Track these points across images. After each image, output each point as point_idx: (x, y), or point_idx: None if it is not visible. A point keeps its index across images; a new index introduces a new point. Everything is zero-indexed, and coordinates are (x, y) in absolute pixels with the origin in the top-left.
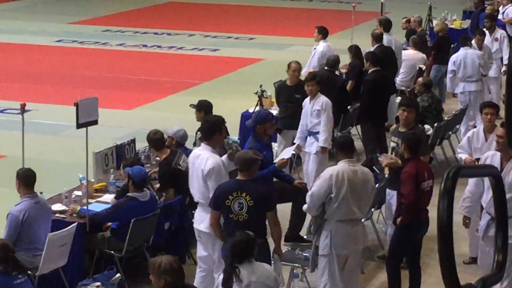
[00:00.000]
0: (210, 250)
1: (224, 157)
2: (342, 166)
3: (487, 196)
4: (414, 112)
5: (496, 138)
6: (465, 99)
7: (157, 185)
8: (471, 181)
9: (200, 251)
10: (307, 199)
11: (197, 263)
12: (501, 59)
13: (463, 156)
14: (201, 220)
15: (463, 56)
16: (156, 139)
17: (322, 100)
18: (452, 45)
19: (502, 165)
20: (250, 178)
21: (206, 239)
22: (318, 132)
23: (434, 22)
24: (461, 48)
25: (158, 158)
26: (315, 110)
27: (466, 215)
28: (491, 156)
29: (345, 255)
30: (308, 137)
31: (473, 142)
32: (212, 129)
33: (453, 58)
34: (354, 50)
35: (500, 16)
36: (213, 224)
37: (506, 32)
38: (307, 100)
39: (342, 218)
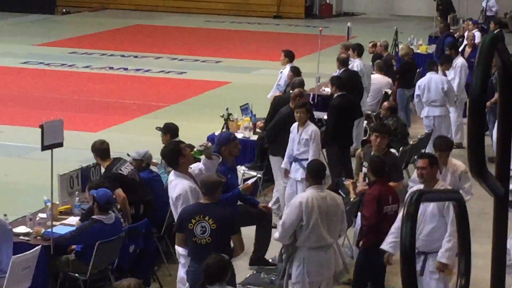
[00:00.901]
0: None
1: (202, 160)
2: (311, 193)
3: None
4: (387, 137)
5: (419, 170)
6: (430, 123)
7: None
8: (398, 217)
9: (180, 273)
10: (279, 228)
11: (177, 284)
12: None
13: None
14: None
15: (428, 81)
16: (103, 149)
17: (312, 129)
18: (418, 70)
19: None
20: (214, 202)
21: (185, 261)
22: (304, 160)
23: (400, 46)
24: (427, 73)
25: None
26: (304, 138)
27: (390, 251)
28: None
29: (319, 281)
30: (294, 163)
31: None
32: (173, 156)
33: (419, 82)
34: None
35: (465, 41)
36: (178, 246)
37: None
38: (295, 125)
39: (314, 245)
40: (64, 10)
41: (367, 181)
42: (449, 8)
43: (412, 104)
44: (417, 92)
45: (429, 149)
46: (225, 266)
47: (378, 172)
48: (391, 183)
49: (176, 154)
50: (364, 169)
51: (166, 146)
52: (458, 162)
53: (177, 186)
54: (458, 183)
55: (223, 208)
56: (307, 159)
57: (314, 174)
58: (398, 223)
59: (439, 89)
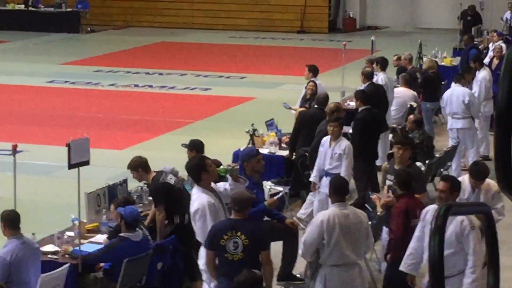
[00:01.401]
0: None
1: (229, 181)
2: (333, 211)
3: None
4: (409, 149)
5: (438, 192)
6: (454, 135)
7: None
8: (415, 236)
9: None
10: (300, 245)
11: None
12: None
13: None
14: (200, 257)
15: (450, 93)
16: (144, 161)
17: (345, 144)
18: (443, 82)
19: None
20: (244, 218)
21: (205, 277)
22: (336, 174)
23: (425, 59)
24: (452, 85)
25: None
26: (336, 153)
27: (411, 273)
28: (432, 210)
29: None
30: (325, 177)
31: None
32: (195, 171)
33: (444, 95)
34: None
35: (490, 53)
36: (208, 264)
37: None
38: (326, 139)
39: (336, 262)
40: (88, 29)
41: (390, 193)
42: (476, 20)
43: (436, 117)
44: (442, 104)
45: (455, 162)
46: (258, 282)
47: (405, 185)
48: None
49: (199, 169)
50: (389, 182)
51: (190, 161)
52: (492, 181)
53: (195, 200)
54: (490, 203)
55: (254, 223)
56: (339, 174)
57: (337, 191)
58: (415, 242)
59: (460, 102)
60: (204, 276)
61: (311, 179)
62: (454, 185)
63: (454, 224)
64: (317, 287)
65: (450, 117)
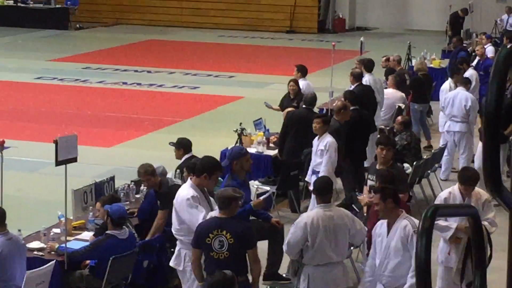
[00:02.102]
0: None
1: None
2: (317, 212)
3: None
4: (392, 150)
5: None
6: (450, 138)
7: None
8: (370, 254)
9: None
10: (284, 247)
11: None
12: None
13: (452, 224)
14: (174, 256)
15: (454, 95)
16: (153, 170)
17: (327, 140)
18: (433, 84)
19: (388, 230)
20: (230, 216)
21: (181, 276)
22: (319, 171)
23: (414, 60)
24: (458, 87)
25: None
26: (319, 149)
27: None
28: (380, 225)
29: None
30: (312, 175)
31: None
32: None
33: (445, 95)
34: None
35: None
36: (193, 262)
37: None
38: (316, 138)
39: (319, 263)
40: (77, 25)
41: (372, 193)
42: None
43: (428, 119)
44: (442, 104)
45: (446, 163)
46: (229, 283)
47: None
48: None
49: (211, 169)
50: (370, 182)
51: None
52: (481, 191)
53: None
54: (481, 212)
55: (240, 222)
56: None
57: (321, 192)
58: (369, 260)
59: (462, 105)
60: (180, 276)
61: (306, 178)
62: (384, 193)
63: (398, 231)
64: (301, 285)
65: (448, 119)
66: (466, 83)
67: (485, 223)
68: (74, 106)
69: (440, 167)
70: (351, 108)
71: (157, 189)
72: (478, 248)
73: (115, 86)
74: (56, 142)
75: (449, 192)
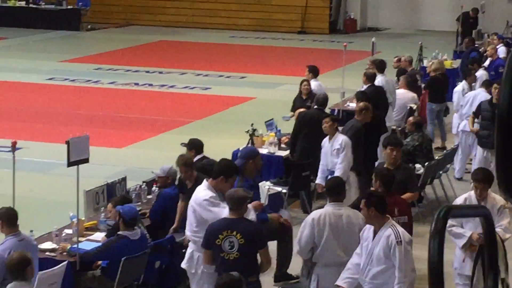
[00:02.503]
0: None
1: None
2: (326, 210)
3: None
4: (400, 150)
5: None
6: (465, 138)
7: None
8: (354, 253)
9: None
10: (295, 247)
11: None
12: None
13: (467, 233)
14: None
15: (474, 95)
16: (192, 162)
17: (341, 138)
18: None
19: (374, 236)
20: (241, 217)
21: (191, 277)
22: (336, 171)
23: (425, 61)
24: (479, 88)
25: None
26: (335, 149)
27: (345, 286)
28: (368, 229)
29: None
30: (329, 175)
31: None
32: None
33: (466, 95)
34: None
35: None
36: (206, 264)
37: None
38: (326, 139)
39: (328, 262)
40: (89, 26)
41: None
42: (476, 23)
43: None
44: (456, 105)
45: (458, 163)
46: (235, 285)
47: (387, 185)
48: (407, 194)
49: (229, 173)
50: None
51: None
52: (497, 196)
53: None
54: (495, 218)
55: (250, 223)
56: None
57: (333, 192)
58: (353, 259)
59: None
60: (190, 277)
61: (316, 181)
62: (367, 200)
63: (382, 240)
64: (311, 286)
65: (465, 118)
66: (488, 85)
67: (498, 229)
68: (85, 107)
69: (453, 167)
70: None
71: (193, 183)
72: (490, 249)
73: (127, 87)
74: (68, 143)
75: (464, 198)
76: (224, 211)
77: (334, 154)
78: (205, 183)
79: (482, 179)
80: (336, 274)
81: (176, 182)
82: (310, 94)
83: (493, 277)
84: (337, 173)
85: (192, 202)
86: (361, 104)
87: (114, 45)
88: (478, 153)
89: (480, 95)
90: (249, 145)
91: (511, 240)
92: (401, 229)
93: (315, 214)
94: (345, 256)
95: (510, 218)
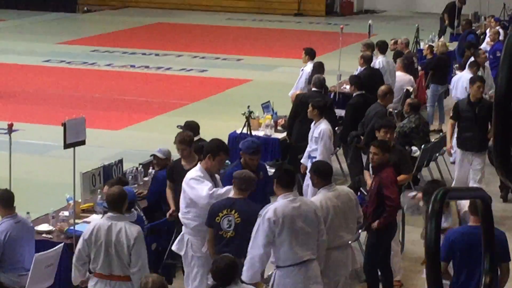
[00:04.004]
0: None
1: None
2: (324, 194)
3: None
4: (393, 132)
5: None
6: None
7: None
8: (257, 243)
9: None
10: None
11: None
12: None
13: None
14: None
15: (458, 79)
16: (190, 140)
17: (321, 128)
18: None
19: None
20: (244, 197)
21: (183, 260)
22: (315, 157)
23: (422, 43)
24: (464, 71)
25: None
26: (314, 136)
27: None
28: (271, 209)
29: (337, 281)
30: (308, 159)
31: None
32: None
33: (453, 79)
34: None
35: (487, 39)
36: (209, 242)
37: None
38: (313, 123)
39: (331, 245)
40: (85, 8)
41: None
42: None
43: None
44: (450, 86)
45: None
46: (231, 266)
47: (384, 149)
48: (401, 176)
49: (216, 151)
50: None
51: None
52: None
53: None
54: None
55: (249, 203)
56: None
57: (322, 175)
58: (258, 250)
59: (463, 88)
60: (183, 260)
61: (302, 161)
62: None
63: None
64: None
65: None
66: (472, 66)
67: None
68: (82, 89)
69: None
70: (357, 93)
71: (191, 166)
72: (487, 232)
73: (123, 69)
74: (64, 125)
75: None
76: (205, 188)
77: (313, 140)
78: (198, 165)
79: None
80: (339, 255)
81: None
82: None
83: (490, 259)
84: None
85: (183, 183)
86: (384, 88)
87: (110, 27)
88: (458, 156)
89: (463, 76)
90: (246, 127)
91: None
92: (278, 205)
93: (316, 201)
94: (346, 234)
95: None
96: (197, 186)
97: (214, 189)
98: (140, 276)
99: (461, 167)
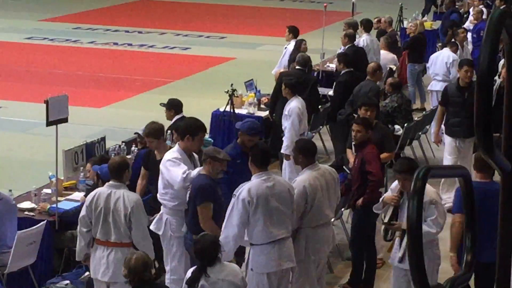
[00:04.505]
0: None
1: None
2: (309, 174)
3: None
4: (375, 110)
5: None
6: (434, 98)
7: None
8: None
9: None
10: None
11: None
12: None
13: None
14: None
15: (437, 55)
16: (148, 133)
17: (290, 105)
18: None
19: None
20: (207, 174)
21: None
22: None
23: (405, 22)
24: (444, 48)
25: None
26: (284, 114)
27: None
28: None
29: (319, 258)
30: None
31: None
32: (183, 132)
33: (431, 56)
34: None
35: (470, 17)
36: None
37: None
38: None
39: (315, 224)
40: None
41: None
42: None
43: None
44: (428, 64)
45: (432, 127)
46: (218, 244)
47: (368, 126)
48: (384, 154)
49: (194, 131)
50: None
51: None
52: (428, 188)
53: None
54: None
55: (199, 177)
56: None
57: (307, 154)
58: (232, 230)
59: (443, 63)
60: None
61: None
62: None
63: None
64: (300, 248)
65: (432, 78)
66: (452, 45)
67: (424, 226)
68: (64, 67)
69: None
70: (345, 70)
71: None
72: (469, 209)
73: (106, 47)
74: (47, 102)
75: (390, 189)
76: (180, 171)
77: (283, 118)
78: (176, 146)
79: (406, 170)
80: (322, 233)
81: None
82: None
83: (471, 239)
84: (284, 142)
85: (161, 164)
86: (373, 65)
87: (93, 4)
88: (448, 143)
89: (443, 52)
90: (229, 105)
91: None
92: (252, 185)
93: (303, 182)
94: (330, 213)
95: (439, 213)
96: (172, 168)
97: (188, 171)
98: (145, 245)
99: (450, 155)
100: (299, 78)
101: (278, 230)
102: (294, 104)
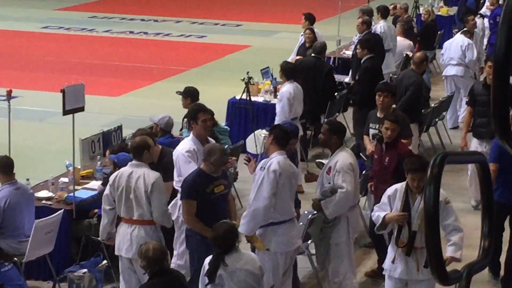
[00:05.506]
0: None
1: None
2: (348, 152)
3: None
4: (390, 96)
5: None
6: (449, 84)
7: None
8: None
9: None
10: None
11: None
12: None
13: (381, 213)
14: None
15: (452, 40)
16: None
17: (282, 89)
18: (439, 32)
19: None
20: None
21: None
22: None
23: (421, 8)
24: (458, 34)
25: None
26: (277, 98)
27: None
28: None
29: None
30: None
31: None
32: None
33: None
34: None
35: (487, 3)
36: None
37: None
38: None
39: (354, 203)
40: None
41: (374, 141)
42: None
43: (432, 66)
44: (442, 51)
45: (449, 111)
46: (235, 231)
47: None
48: (402, 140)
49: (194, 114)
50: (372, 131)
51: (193, 104)
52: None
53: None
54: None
55: (192, 172)
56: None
57: (341, 135)
58: (263, 202)
59: (458, 47)
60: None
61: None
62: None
63: None
64: (343, 224)
65: (446, 64)
66: (466, 33)
67: (448, 248)
68: (80, 56)
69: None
70: (368, 56)
71: (154, 162)
72: (485, 195)
73: (122, 35)
74: (63, 91)
75: (395, 189)
76: (189, 170)
77: (277, 103)
78: (190, 134)
79: (419, 168)
80: (357, 212)
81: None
82: (314, 42)
83: (488, 224)
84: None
85: (175, 153)
86: (420, 55)
87: None
88: (474, 147)
89: (458, 38)
90: (245, 93)
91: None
92: (280, 159)
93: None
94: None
95: (454, 214)
96: (185, 165)
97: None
98: (164, 220)
99: None
100: (310, 66)
101: (293, 208)
102: (285, 89)
